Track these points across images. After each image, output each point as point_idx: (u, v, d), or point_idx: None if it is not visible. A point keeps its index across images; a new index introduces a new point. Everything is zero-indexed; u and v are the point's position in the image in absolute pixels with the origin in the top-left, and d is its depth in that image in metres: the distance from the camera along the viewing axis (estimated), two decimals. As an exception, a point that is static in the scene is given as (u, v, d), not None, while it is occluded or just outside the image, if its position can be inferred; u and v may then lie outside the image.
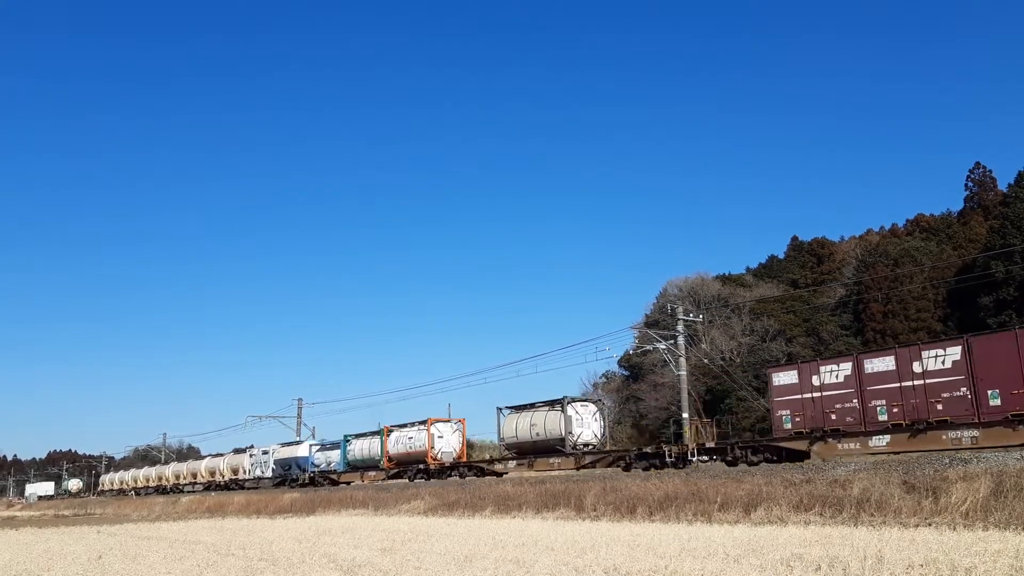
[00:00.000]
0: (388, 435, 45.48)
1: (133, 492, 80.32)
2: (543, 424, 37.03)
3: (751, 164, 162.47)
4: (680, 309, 42.32)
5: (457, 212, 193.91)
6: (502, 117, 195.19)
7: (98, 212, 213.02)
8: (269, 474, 56.44)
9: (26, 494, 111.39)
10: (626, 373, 78.88)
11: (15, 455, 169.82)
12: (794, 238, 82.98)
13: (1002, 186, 64.60)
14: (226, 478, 62.44)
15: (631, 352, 72.98)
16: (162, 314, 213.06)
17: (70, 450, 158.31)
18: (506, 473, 37.03)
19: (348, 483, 46.81)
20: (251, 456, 60.44)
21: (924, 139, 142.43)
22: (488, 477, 36.39)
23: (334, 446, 51.23)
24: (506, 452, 39.52)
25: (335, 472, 49.72)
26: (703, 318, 52.16)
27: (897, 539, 11.46)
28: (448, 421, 44.20)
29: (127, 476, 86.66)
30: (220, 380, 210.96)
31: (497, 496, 24.02)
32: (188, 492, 63.27)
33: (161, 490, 72.71)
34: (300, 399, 66.23)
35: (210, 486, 63.90)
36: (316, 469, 51.88)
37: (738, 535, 13.46)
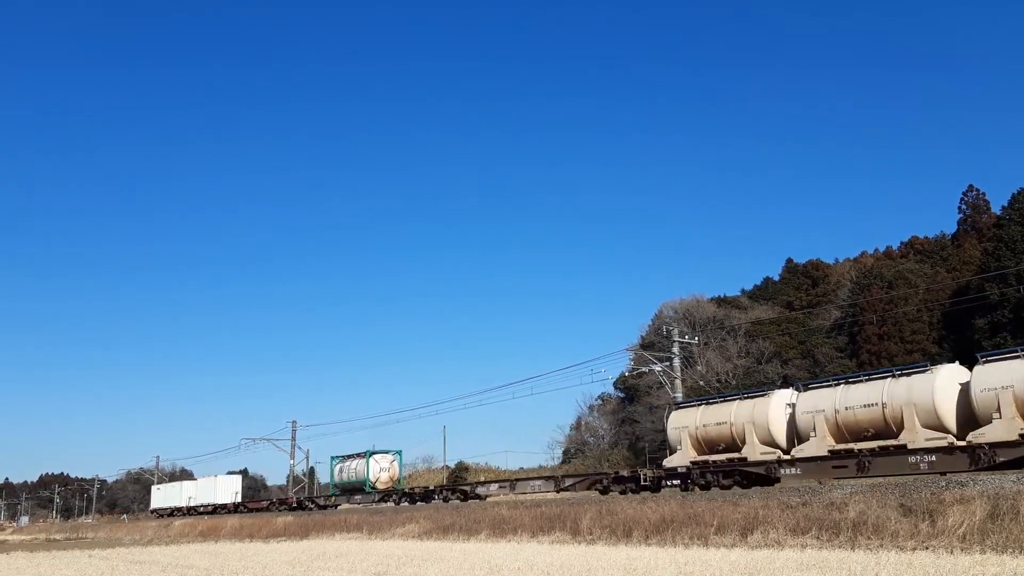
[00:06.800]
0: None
1: None
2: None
3: (746, 187, 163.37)
4: (676, 331, 42.35)
5: (451, 234, 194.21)
6: (499, 139, 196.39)
7: (91, 233, 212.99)
8: None
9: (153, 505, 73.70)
10: (622, 395, 78.86)
11: (7, 478, 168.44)
12: (789, 260, 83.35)
13: (995, 209, 64.91)
14: None
15: (627, 374, 72.89)
16: (154, 336, 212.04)
17: (62, 473, 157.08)
18: (488, 496, 37.28)
19: (336, 506, 47.26)
20: None
21: (917, 162, 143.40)
22: (484, 500, 36.30)
23: None
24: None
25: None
26: (698, 340, 52.15)
27: (894, 563, 11.39)
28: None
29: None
30: (213, 402, 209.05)
31: (492, 519, 23.83)
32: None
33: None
34: (294, 421, 65.98)
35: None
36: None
37: (735, 559, 13.38)
